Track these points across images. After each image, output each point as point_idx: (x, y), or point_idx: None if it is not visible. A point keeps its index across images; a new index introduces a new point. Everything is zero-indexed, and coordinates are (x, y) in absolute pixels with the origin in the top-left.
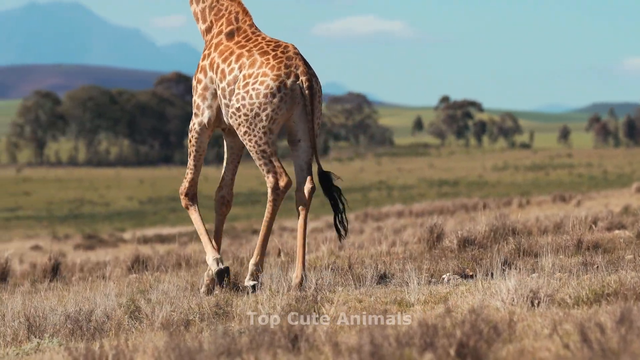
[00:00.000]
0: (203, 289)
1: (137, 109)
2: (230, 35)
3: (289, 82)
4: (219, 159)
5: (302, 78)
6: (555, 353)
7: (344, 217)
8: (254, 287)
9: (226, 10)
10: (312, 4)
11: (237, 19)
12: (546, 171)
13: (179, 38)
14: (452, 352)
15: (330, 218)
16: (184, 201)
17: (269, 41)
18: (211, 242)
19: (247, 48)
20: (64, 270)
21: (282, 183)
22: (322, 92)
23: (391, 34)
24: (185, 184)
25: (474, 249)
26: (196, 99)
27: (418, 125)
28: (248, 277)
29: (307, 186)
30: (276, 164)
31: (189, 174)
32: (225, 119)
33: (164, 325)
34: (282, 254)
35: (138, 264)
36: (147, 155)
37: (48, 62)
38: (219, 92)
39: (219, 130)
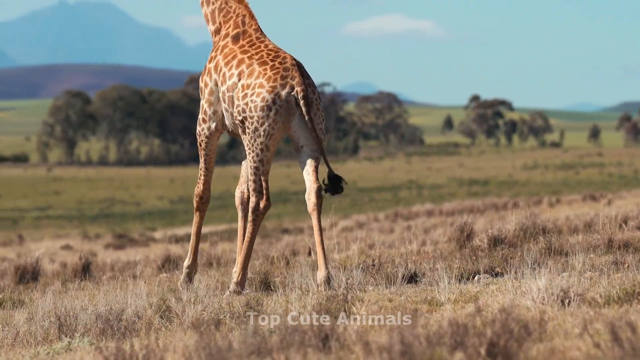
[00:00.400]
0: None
1: (168, 108)
2: (235, 39)
3: (283, 93)
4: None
5: (297, 89)
6: (586, 352)
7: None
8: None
9: (234, 12)
10: (343, 4)
11: (243, 22)
12: (576, 170)
13: (209, 37)
14: (482, 351)
15: (360, 217)
16: (196, 203)
17: (270, 50)
18: (195, 253)
19: (248, 54)
20: (95, 269)
21: (262, 205)
22: (320, 100)
23: (421, 32)
24: (200, 186)
25: (504, 248)
26: (203, 103)
27: (448, 124)
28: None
29: (313, 187)
30: (263, 184)
31: (202, 176)
32: (227, 122)
33: (194, 325)
34: (312, 253)
35: (168, 263)
36: (177, 155)
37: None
38: (220, 95)
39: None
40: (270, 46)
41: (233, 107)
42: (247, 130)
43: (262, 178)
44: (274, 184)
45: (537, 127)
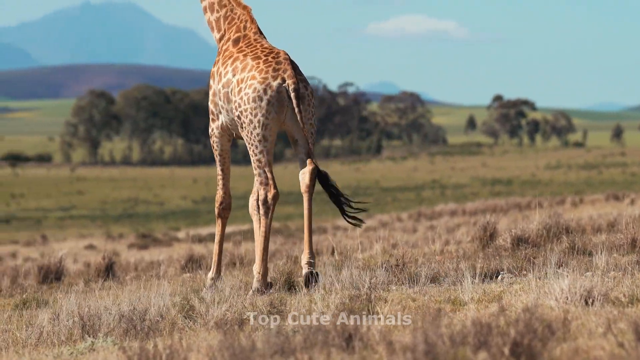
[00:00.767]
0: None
1: (191, 108)
2: (236, 42)
3: (274, 84)
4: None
5: (289, 81)
6: (610, 352)
7: (347, 209)
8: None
9: (238, 19)
10: (365, 4)
11: (244, 27)
12: (599, 170)
13: None
14: (506, 351)
15: (383, 217)
16: (217, 210)
17: (264, 47)
18: (219, 264)
19: (244, 53)
20: (118, 269)
21: (270, 195)
22: (313, 96)
23: (444, 33)
24: (220, 193)
25: (528, 248)
26: (209, 104)
27: (471, 124)
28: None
29: (308, 168)
30: (268, 175)
31: (219, 181)
32: (225, 120)
33: (218, 325)
34: (335, 252)
35: (192, 263)
36: (200, 155)
37: (101, 62)
38: (217, 94)
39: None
40: (266, 45)
41: (229, 104)
42: (244, 125)
43: (266, 169)
44: (290, 184)
45: (560, 126)
